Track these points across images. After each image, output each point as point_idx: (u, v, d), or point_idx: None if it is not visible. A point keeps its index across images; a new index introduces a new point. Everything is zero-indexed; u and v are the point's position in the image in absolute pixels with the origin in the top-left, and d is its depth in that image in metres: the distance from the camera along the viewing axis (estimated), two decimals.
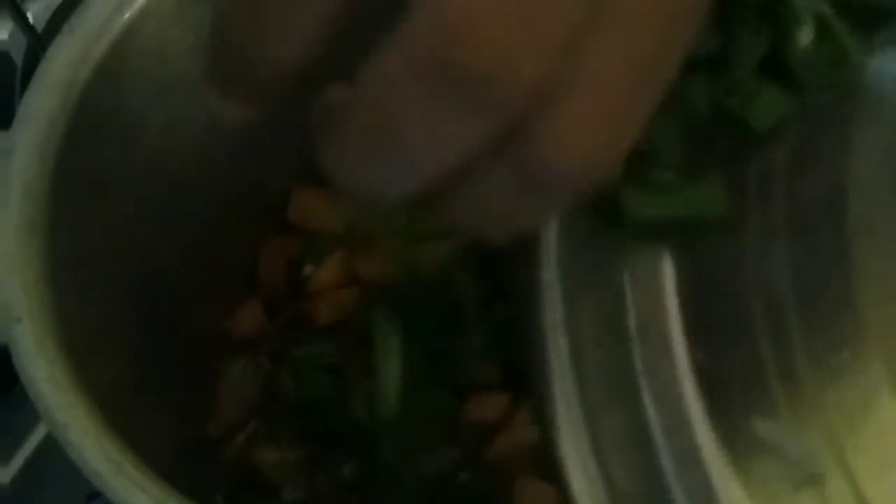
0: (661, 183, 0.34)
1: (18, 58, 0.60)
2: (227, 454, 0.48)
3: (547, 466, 0.32)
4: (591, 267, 0.34)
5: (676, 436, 0.32)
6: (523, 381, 0.43)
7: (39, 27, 0.56)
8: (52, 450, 0.35)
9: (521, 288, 0.33)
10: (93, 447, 0.34)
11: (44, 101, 0.40)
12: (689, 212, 0.34)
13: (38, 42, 0.52)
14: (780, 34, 0.35)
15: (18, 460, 0.52)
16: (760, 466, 0.31)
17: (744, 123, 0.35)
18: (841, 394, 0.32)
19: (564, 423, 0.31)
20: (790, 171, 0.35)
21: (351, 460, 0.46)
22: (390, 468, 0.45)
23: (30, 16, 0.55)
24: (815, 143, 0.35)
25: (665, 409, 0.32)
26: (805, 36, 0.34)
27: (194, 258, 0.48)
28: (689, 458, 0.31)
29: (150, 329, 0.45)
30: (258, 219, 0.52)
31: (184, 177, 0.46)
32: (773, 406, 0.32)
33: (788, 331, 0.32)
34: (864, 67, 0.35)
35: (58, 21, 0.56)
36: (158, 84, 0.44)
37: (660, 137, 0.34)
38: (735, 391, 0.32)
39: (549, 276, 0.33)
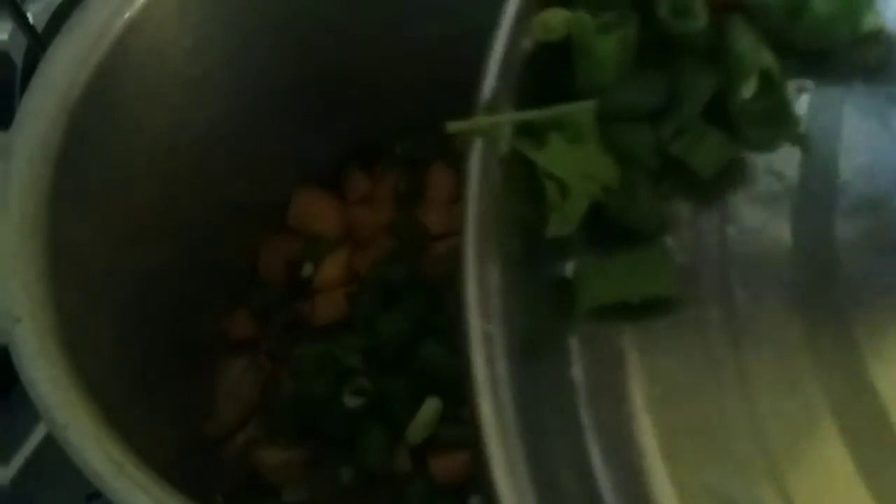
0: (611, 268, 0.33)
1: (18, 58, 0.60)
2: (227, 454, 0.48)
3: None
4: (538, 320, 0.33)
5: (629, 490, 0.31)
6: None
7: (39, 27, 0.56)
8: (52, 450, 0.35)
9: (462, 342, 0.31)
10: (93, 447, 0.34)
11: (44, 101, 0.40)
12: (641, 296, 0.33)
13: (38, 42, 0.52)
14: (725, 83, 0.34)
15: (18, 460, 0.52)
16: None
17: (688, 170, 0.34)
18: (792, 444, 0.31)
19: (510, 485, 0.29)
20: (735, 220, 0.34)
21: (350, 462, 0.46)
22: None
23: (30, 16, 0.55)
24: (755, 194, 0.35)
25: (616, 463, 0.31)
26: (748, 89, 0.34)
27: (194, 258, 0.48)
28: None
29: (149, 329, 0.45)
30: (258, 219, 0.52)
31: (183, 177, 0.46)
32: (726, 457, 0.31)
33: (747, 380, 0.32)
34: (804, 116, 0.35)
35: (58, 21, 0.56)
36: (158, 84, 0.44)
37: (618, 193, 0.33)
38: (688, 443, 0.31)
39: (494, 330, 0.31)
